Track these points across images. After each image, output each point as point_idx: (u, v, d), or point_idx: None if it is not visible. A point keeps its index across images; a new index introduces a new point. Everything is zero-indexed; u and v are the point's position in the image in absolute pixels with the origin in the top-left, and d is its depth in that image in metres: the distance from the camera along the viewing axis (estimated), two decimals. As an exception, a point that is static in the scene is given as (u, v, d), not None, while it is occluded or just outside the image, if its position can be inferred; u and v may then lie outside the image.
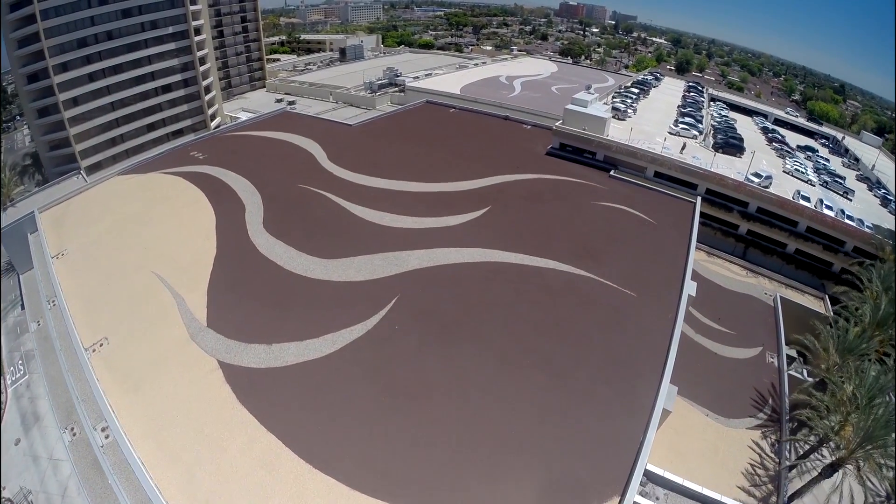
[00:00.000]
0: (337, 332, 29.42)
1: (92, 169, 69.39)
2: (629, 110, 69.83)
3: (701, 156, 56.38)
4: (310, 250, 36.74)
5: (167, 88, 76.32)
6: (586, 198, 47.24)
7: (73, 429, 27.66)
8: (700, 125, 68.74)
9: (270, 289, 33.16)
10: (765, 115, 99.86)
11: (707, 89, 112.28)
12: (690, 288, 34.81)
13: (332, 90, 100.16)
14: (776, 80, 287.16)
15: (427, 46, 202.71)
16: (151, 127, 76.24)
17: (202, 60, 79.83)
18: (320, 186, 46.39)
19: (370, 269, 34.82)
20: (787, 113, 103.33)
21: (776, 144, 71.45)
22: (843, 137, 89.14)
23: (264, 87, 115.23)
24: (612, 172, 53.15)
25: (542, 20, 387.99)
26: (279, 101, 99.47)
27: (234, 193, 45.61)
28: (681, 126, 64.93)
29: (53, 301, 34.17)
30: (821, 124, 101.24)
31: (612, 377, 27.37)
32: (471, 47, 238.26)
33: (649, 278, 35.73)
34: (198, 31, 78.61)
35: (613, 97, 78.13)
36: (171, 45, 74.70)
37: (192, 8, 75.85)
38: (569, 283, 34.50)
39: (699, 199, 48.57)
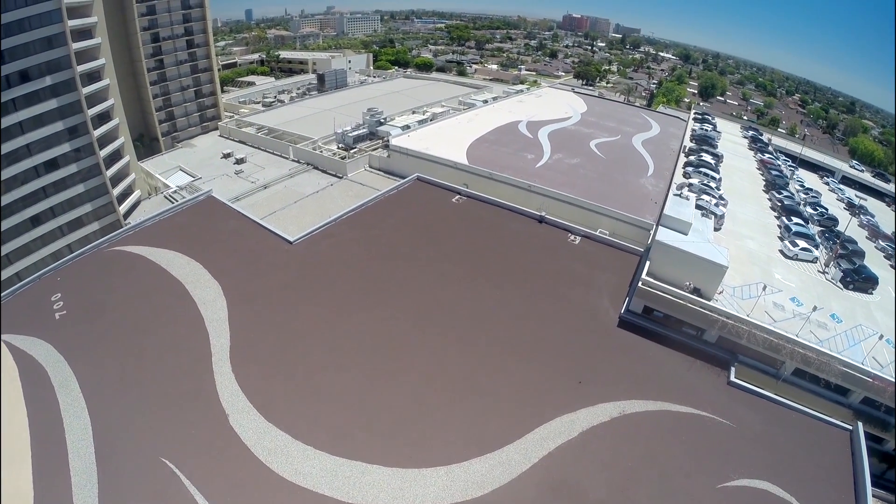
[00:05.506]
0: None
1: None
2: (720, 207, 46.99)
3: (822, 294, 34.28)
4: None
5: (52, 165, 52.83)
6: (713, 476, 23.95)
7: None
8: (812, 234, 46.34)
9: None
10: (831, 172, 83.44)
11: (770, 140, 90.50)
12: None
13: (293, 142, 76.60)
14: (790, 98, 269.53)
15: (425, 67, 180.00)
16: (37, 220, 52.58)
17: (102, 118, 56.58)
18: (197, 477, 23.23)
19: None
20: (852, 167, 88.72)
21: (884, 243, 51.31)
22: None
23: (217, 129, 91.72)
24: (732, 377, 30.51)
25: (547, 33, 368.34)
26: (227, 155, 76.16)
27: (63, 459, 23.69)
28: (800, 247, 42.13)
29: None
30: (888, 181, 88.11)
31: None
32: (475, 66, 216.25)
33: None
34: (95, 77, 55.53)
35: (687, 174, 55.22)
36: (52, 104, 51.23)
37: (82, 45, 52.25)
38: None
39: (860, 429, 26.65)
